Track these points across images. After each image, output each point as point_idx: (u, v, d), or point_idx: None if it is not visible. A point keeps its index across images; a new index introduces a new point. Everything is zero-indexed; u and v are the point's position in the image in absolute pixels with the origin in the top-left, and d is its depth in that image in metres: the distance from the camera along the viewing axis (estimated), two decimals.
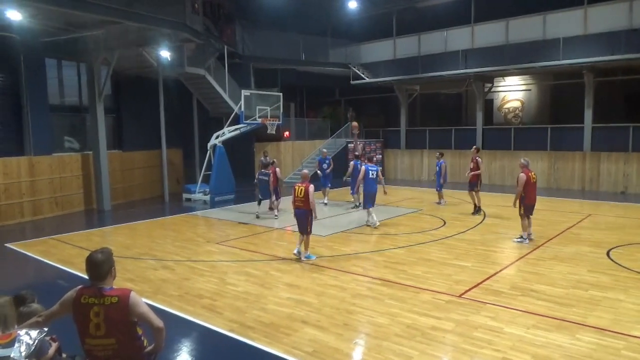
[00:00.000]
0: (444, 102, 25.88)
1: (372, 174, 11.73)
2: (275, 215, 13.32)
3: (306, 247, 8.92)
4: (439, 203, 15.24)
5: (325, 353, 5.19)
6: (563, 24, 18.19)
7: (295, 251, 9.01)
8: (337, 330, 5.78)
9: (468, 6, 20.51)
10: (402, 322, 5.95)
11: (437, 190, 15.46)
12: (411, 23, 23.20)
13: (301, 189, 8.75)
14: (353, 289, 7.27)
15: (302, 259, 8.83)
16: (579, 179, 18.66)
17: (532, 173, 9.97)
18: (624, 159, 17.61)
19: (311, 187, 8.77)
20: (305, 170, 9.26)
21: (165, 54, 16.08)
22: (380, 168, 12.10)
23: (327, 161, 15.59)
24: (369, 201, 11.80)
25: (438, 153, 15.77)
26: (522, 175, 9.76)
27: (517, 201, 9.90)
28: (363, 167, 12.01)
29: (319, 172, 15.79)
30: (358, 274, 8.01)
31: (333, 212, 14.03)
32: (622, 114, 20.42)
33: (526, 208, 9.93)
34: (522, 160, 10.15)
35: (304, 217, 8.77)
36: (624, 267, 8.11)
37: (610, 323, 5.79)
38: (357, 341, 5.59)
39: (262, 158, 15.40)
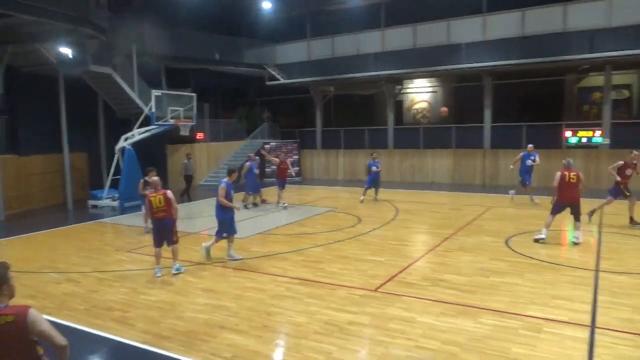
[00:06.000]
0: (358, 103, 26.68)
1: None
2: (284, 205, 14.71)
3: (176, 258, 8.28)
4: (361, 201, 15.34)
5: (245, 357, 5.15)
6: (465, 30, 19.48)
7: (174, 270, 8.19)
8: (256, 332, 5.75)
9: (378, 11, 21.30)
10: (321, 319, 6.06)
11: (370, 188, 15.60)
12: (325, 25, 23.64)
13: (159, 198, 8.02)
14: (271, 290, 7.27)
15: (173, 272, 8.18)
16: (480, 175, 20.14)
17: (570, 173, 9.54)
18: None
19: (169, 193, 8.13)
20: (155, 177, 8.45)
21: (65, 50, 14.96)
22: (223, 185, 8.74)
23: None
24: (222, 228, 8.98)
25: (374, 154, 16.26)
26: (557, 174, 9.63)
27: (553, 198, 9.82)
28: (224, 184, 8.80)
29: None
30: (277, 275, 8.02)
31: (251, 214, 13.92)
32: (516, 114, 22.38)
33: (555, 206, 9.79)
34: (564, 161, 9.92)
35: (170, 227, 8.16)
36: (519, 253, 8.90)
37: (508, 306, 6.33)
38: (276, 342, 5.61)
39: (186, 160, 16.05)
